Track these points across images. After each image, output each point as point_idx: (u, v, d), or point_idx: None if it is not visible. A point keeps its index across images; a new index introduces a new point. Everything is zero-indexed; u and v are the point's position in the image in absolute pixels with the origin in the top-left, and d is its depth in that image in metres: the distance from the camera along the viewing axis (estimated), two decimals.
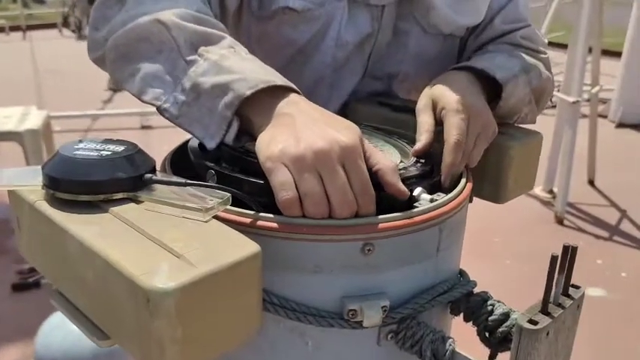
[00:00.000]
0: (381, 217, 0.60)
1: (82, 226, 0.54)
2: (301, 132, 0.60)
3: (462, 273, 0.73)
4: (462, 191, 0.69)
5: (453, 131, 0.74)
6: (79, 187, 0.57)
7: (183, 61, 0.68)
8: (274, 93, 0.65)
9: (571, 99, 3.28)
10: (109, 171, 0.58)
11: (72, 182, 0.57)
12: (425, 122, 0.76)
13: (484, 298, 0.68)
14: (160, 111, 0.69)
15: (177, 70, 0.68)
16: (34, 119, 3.36)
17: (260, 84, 0.64)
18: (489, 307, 0.67)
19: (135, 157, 0.60)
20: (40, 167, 0.61)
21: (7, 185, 0.60)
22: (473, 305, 0.68)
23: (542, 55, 0.98)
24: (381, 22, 0.92)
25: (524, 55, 0.93)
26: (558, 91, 3.80)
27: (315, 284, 0.61)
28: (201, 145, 0.74)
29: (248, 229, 0.59)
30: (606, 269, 2.80)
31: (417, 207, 0.64)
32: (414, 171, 0.69)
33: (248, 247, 0.52)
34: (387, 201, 0.63)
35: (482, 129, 0.76)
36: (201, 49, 0.69)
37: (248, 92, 0.63)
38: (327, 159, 0.58)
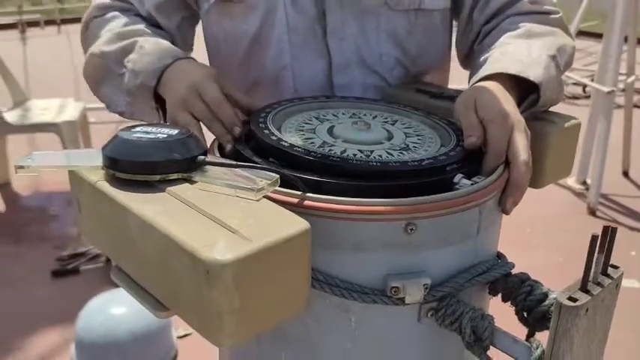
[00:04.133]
0: (423, 197, 0.62)
1: (143, 205, 0.57)
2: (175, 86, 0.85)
3: (499, 255, 0.75)
4: (501, 174, 0.71)
5: (496, 144, 0.73)
6: (137, 167, 0.60)
7: (119, 76, 0.92)
8: (170, 69, 0.87)
9: (606, 89, 3.23)
10: (166, 152, 0.61)
11: (131, 162, 0.60)
12: (473, 120, 0.75)
13: (522, 278, 0.70)
14: (121, 114, 0.96)
15: (119, 83, 0.92)
16: (71, 111, 3.45)
17: (157, 72, 0.87)
18: (528, 288, 0.69)
19: (188, 140, 0.64)
20: (97, 150, 0.64)
21: (69, 166, 0.64)
22: (511, 285, 0.70)
23: (555, 16, 0.96)
24: (325, 2, 0.93)
25: (542, 32, 0.92)
26: (592, 80, 3.75)
27: (359, 262, 0.64)
28: (247, 137, 0.76)
29: (295, 209, 0.61)
30: None
31: (458, 189, 0.66)
32: (455, 156, 0.71)
33: (299, 224, 0.55)
34: (430, 185, 0.65)
35: (527, 139, 0.75)
36: (125, 61, 0.91)
37: (153, 83, 0.87)
38: (188, 102, 0.81)
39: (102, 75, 0.95)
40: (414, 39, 0.98)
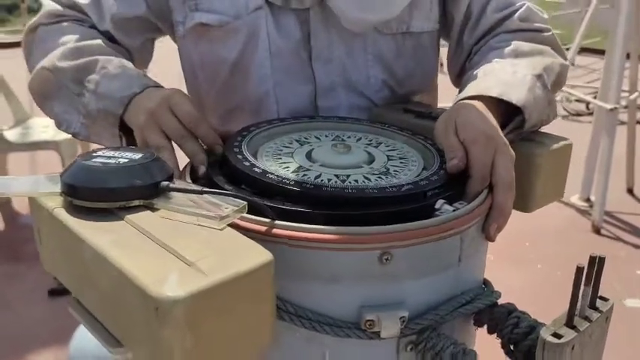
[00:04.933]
0: (398, 225, 0.59)
1: (97, 234, 0.54)
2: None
3: (486, 283, 0.71)
4: (484, 200, 0.67)
5: (479, 166, 0.69)
6: (95, 194, 0.57)
7: (75, 95, 0.85)
8: (139, 96, 0.81)
9: (608, 106, 3.19)
10: (126, 178, 0.58)
11: (89, 189, 0.57)
12: (454, 142, 0.72)
13: (509, 309, 0.66)
14: (74, 135, 0.87)
15: (75, 103, 0.85)
16: None
17: (125, 100, 0.80)
18: (514, 320, 0.65)
19: (152, 164, 0.60)
20: (58, 175, 0.61)
21: (28, 192, 0.61)
22: (497, 317, 0.66)
23: (546, 34, 0.94)
24: (310, 25, 0.89)
25: (530, 50, 0.89)
26: (595, 97, 3.72)
27: (332, 293, 0.60)
28: (221, 163, 0.73)
29: (264, 238, 0.58)
30: None
31: (439, 216, 0.62)
32: (437, 181, 0.67)
33: (261, 255, 0.51)
34: (409, 212, 0.62)
35: (511, 161, 0.71)
36: (85, 81, 0.84)
37: (120, 111, 0.80)
38: (158, 115, 0.76)
39: (53, 91, 0.87)
40: (402, 61, 0.95)
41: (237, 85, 0.92)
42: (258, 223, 0.59)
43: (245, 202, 0.59)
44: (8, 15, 9.99)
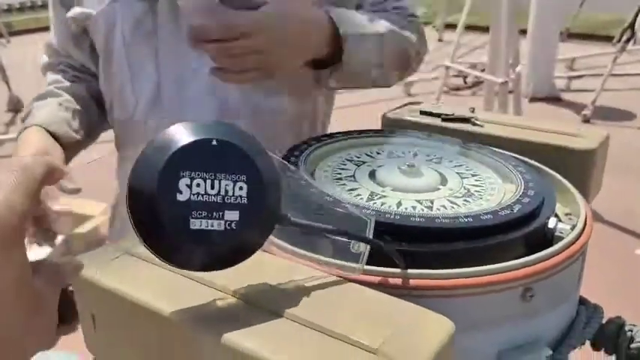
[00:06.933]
0: (539, 255, 0.52)
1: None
2: None
3: (583, 301, 0.66)
4: (584, 207, 0.62)
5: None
6: None
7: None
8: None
9: (500, 80, 3.35)
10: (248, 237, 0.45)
11: None
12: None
13: (618, 324, 0.62)
14: None
15: None
16: None
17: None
18: (628, 334, 0.61)
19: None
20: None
21: None
22: (609, 334, 0.61)
23: (412, 18, 0.96)
24: (157, 16, 0.87)
25: (387, 19, 0.89)
26: (483, 71, 3.90)
27: (470, 342, 0.52)
28: None
29: (399, 292, 0.48)
30: None
31: (562, 237, 0.56)
32: (537, 195, 0.60)
33: (443, 325, 0.42)
34: (529, 236, 0.55)
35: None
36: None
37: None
38: None
39: None
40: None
41: (108, 76, 0.93)
42: (387, 275, 0.49)
43: (366, 244, 0.48)
44: None
